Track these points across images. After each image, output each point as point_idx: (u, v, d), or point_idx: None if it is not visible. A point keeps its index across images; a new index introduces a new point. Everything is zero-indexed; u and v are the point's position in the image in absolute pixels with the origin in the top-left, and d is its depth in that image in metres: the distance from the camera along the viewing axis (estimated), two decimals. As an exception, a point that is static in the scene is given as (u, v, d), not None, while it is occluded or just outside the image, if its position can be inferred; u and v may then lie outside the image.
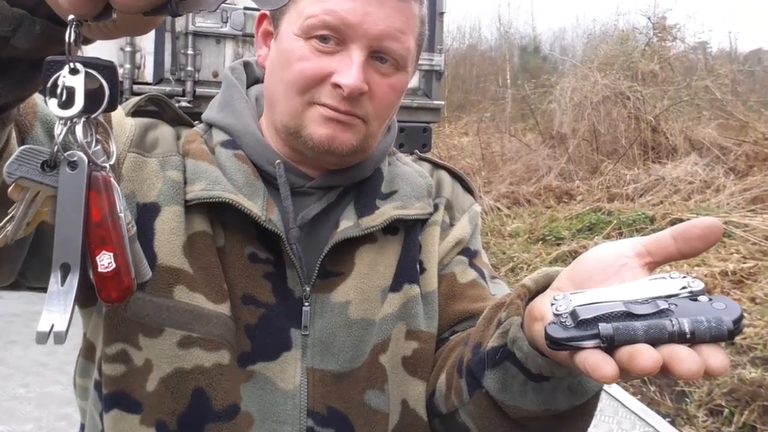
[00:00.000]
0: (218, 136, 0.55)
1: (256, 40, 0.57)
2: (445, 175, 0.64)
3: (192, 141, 0.54)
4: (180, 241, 0.49)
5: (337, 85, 0.48)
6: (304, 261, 0.52)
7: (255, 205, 0.50)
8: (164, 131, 0.55)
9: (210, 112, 0.58)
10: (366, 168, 0.57)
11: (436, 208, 0.59)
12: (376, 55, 0.50)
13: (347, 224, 0.53)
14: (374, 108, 0.51)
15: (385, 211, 0.54)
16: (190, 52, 2.94)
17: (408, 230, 0.57)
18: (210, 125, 0.57)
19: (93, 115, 0.31)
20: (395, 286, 0.54)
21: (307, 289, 0.51)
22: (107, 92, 0.30)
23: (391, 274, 0.54)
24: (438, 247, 0.57)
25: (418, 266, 0.56)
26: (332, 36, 0.49)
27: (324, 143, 0.50)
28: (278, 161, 0.53)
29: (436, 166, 0.65)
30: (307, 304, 0.51)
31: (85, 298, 0.50)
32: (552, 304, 0.34)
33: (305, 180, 0.55)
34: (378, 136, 0.55)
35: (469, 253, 0.60)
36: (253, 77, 0.62)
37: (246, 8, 2.96)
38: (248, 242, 0.51)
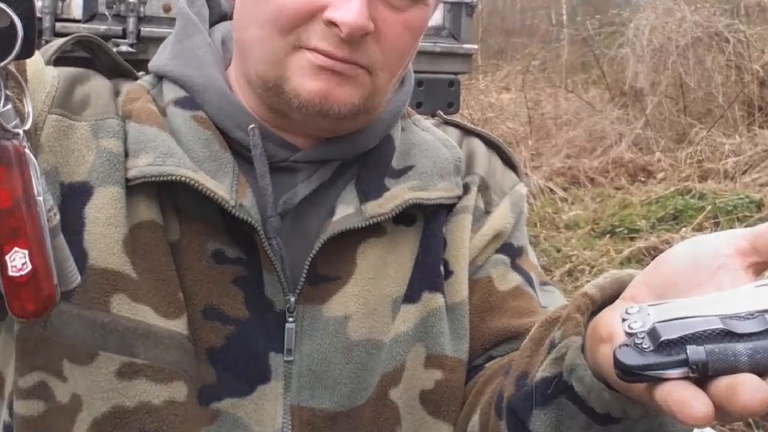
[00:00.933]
0: (171, 91, 0.55)
1: None
2: (478, 145, 0.63)
3: (135, 99, 0.53)
4: (119, 235, 0.49)
5: (332, 23, 0.47)
6: (288, 261, 0.51)
7: (221, 185, 0.49)
8: (98, 85, 0.54)
9: (160, 60, 0.57)
10: (371, 135, 0.56)
11: (466, 189, 0.58)
12: None
13: (346, 211, 0.53)
14: (383, 54, 0.50)
15: (398, 194, 0.54)
16: (132, -21, 2.94)
17: (428, 219, 0.56)
18: (160, 77, 0.57)
19: (1, 64, 0.31)
20: (411, 296, 0.54)
21: (292, 299, 0.51)
22: (20, 32, 0.30)
23: (405, 278, 0.54)
24: (469, 242, 0.57)
25: (442, 268, 0.55)
26: None
27: (315, 101, 0.49)
28: (252, 126, 0.52)
29: (466, 132, 0.64)
30: (291, 319, 0.51)
31: None
32: (624, 320, 0.34)
33: (290, 151, 0.54)
34: (387, 92, 0.54)
35: (512, 251, 0.59)
36: (219, 12, 0.61)
37: None
38: (212, 236, 0.51)
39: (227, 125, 0.53)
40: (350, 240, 0.53)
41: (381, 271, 0.54)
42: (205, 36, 0.57)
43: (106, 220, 0.49)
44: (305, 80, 0.49)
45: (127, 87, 0.56)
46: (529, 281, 0.59)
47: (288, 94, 0.50)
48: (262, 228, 0.50)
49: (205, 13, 0.59)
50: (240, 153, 0.53)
